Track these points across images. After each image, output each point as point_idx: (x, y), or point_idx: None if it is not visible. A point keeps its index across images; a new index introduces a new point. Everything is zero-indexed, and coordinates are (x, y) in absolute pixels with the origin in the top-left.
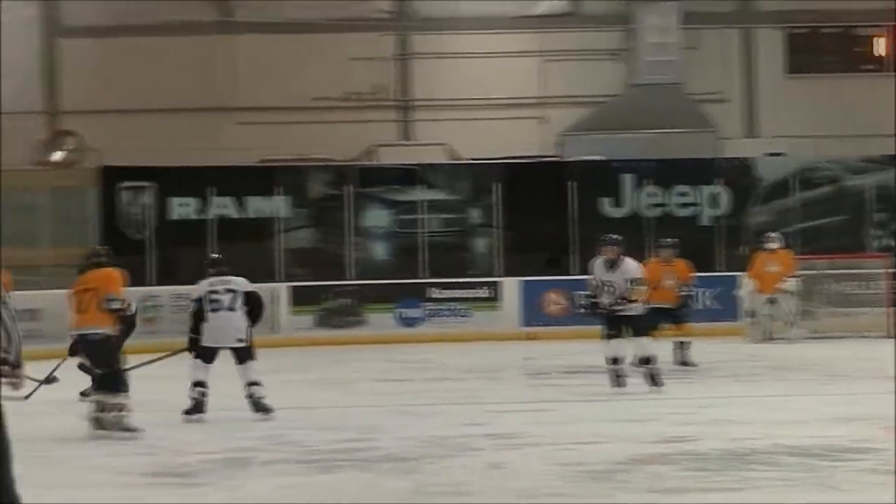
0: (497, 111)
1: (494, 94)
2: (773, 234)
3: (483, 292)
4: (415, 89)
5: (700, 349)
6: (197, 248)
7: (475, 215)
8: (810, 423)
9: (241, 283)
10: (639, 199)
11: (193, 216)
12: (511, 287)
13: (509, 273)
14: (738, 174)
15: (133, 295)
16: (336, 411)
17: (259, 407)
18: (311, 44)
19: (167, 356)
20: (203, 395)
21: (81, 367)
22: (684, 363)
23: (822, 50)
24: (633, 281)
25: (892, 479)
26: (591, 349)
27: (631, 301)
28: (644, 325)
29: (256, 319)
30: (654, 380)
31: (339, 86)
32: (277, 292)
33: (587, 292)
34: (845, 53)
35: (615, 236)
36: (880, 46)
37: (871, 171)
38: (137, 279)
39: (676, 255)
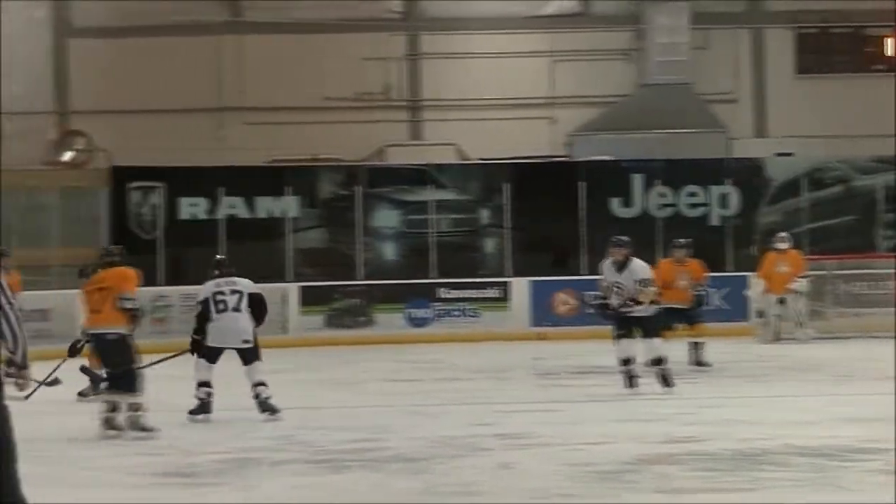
0: (507, 111)
1: (504, 95)
2: (782, 235)
3: (492, 292)
4: (424, 89)
5: (709, 349)
6: (207, 248)
7: (485, 215)
8: (820, 424)
9: (245, 285)
10: (648, 199)
11: (203, 216)
12: (520, 287)
13: (519, 273)
14: (747, 174)
15: (143, 295)
16: (345, 411)
17: (265, 407)
18: (320, 44)
19: (170, 357)
20: (209, 395)
21: (83, 369)
22: (699, 363)
23: (832, 50)
24: (642, 282)
25: None
26: (600, 349)
27: (639, 302)
28: (654, 326)
29: (260, 321)
30: (665, 380)
31: (349, 86)
32: (287, 292)
33: (597, 293)
34: (855, 54)
35: (623, 238)
36: (890, 47)
37: (881, 171)
38: (147, 279)
39: (690, 255)
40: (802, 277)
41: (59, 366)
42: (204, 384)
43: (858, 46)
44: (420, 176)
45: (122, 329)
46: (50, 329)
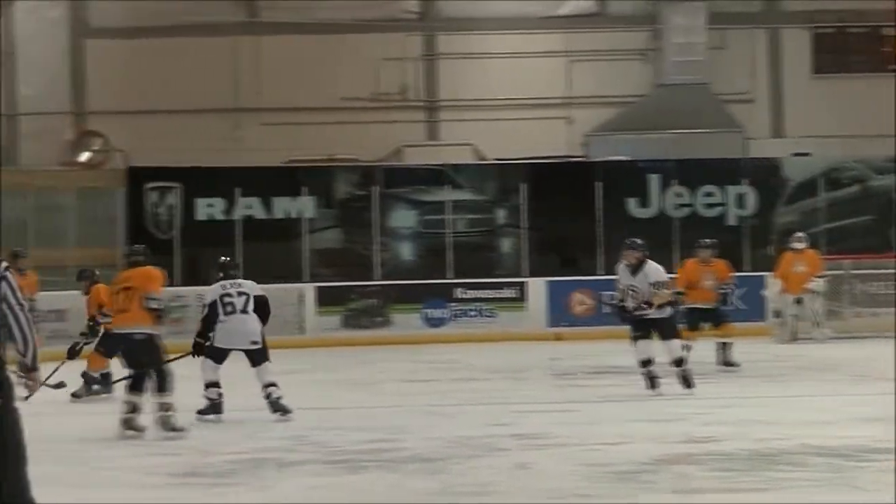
0: (523, 111)
1: (521, 95)
2: (799, 235)
3: (509, 293)
4: (441, 90)
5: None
6: (223, 248)
7: (501, 216)
8: (837, 424)
9: (250, 286)
10: (665, 199)
11: (220, 217)
12: (537, 287)
13: (535, 273)
14: (764, 174)
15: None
16: (362, 412)
17: (277, 407)
18: (336, 44)
19: (173, 360)
20: (220, 395)
21: (85, 375)
22: (727, 363)
23: (849, 50)
24: (656, 284)
25: None
26: (617, 349)
27: (654, 305)
28: (671, 328)
29: (264, 323)
30: (686, 381)
31: (365, 86)
32: (304, 293)
33: (614, 294)
34: (872, 53)
35: (637, 240)
36: None
37: None
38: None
39: (715, 255)
40: (819, 277)
41: (58, 367)
42: (213, 385)
43: (875, 46)
44: (437, 176)
45: (149, 329)
46: (66, 329)
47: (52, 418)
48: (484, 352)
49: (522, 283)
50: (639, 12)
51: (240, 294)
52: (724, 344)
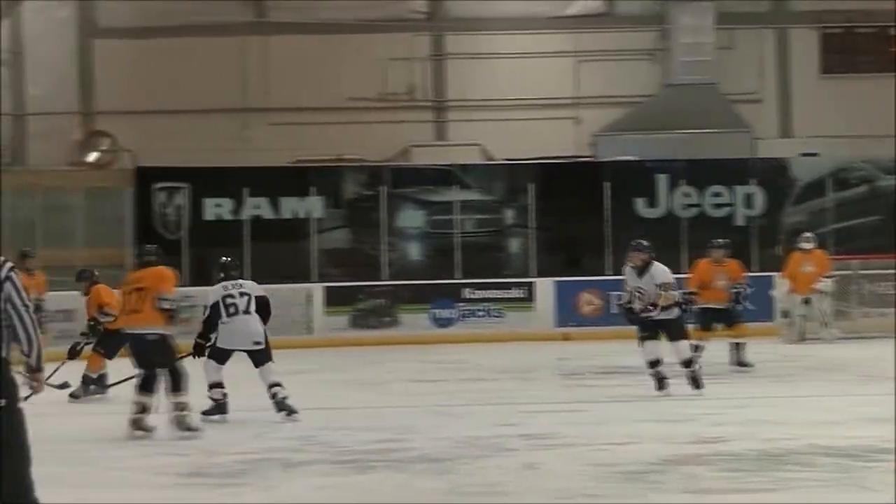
0: (531, 111)
1: (529, 95)
2: (807, 235)
3: (517, 293)
4: (449, 89)
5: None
6: (231, 248)
7: (509, 216)
8: (845, 424)
9: (251, 287)
10: (673, 199)
11: (228, 217)
12: (545, 287)
13: (543, 273)
14: (772, 174)
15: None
16: (370, 412)
17: (283, 407)
18: (344, 44)
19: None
20: (224, 395)
21: (85, 378)
22: (740, 364)
23: (857, 50)
24: (662, 286)
25: None
26: (625, 350)
27: (660, 306)
28: (678, 329)
29: (265, 323)
30: (695, 382)
31: (373, 86)
32: (312, 293)
33: (622, 294)
34: (881, 53)
35: (642, 242)
36: None
37: None
38: None
39: (728, 255)
40: (827, 277)
41: (58, 368)
42: (216, 385)
43: (883, 46)
44: (445, 176)
45: (161, 329)
46: (74, 329)
47: (57, 419)
48: (492, 352)
49: (530, 283)
50: (647, 12)
51: (241, 294)
52: (738, 344)
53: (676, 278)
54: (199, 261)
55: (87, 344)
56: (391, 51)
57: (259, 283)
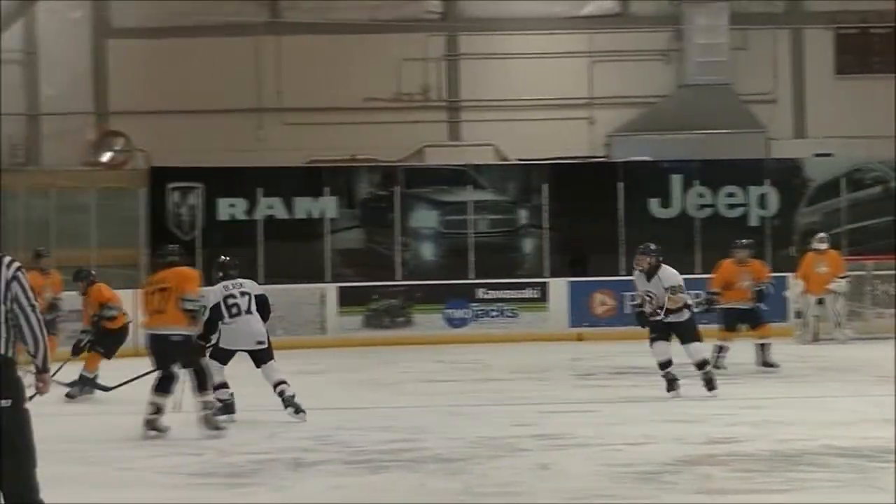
0: (545, 112)
1: (543, 95)
2: (821, 235)
3: (531, 293)
4: (463, 90)
5: (748, 350)
6: (245, 248)
7: (523, 216)
8: (859, 424)
9: (251, 286)
10: (687, 199)
11: (242, 217)
12: (559, 288)
13: (557, 274)
14: (786, 175)
15: None
16: (384, 412)
17: (290, 404)
18: (358, 44)
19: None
20: (231, 395)
21: (83, 377)
22: (766, 364)
23: (871, 50)
24: (671, 289)
25: None
26: (638, 350)
27: (670, 309)
28: (690, 331)
29: (264, 321)
30: (709, 384)
31: (387, 86)
32: (325, 293)
33: (634, 297)
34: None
35: (650, 245)
36: None
37: None
38: None
39: (751, 255)
40: (841, 278)
41: (61, 366)
42: (221, 386)
43: None
44: (458, 176)
45: (185, 330)
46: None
47: (73, 418)
48: (505, 352)
49: (544, 283)
50: (661, 13)
51: (242, 294)
52: (763, 345)
53: (691, 278)
54: (212, 261)
55: (89, 342)
56: (405, 51)
57: (273, 283)
